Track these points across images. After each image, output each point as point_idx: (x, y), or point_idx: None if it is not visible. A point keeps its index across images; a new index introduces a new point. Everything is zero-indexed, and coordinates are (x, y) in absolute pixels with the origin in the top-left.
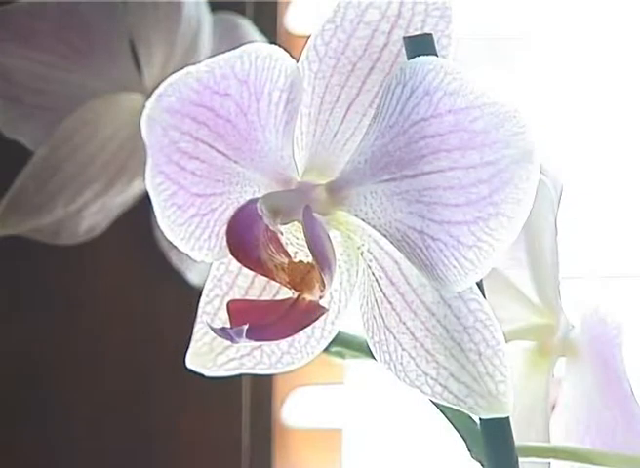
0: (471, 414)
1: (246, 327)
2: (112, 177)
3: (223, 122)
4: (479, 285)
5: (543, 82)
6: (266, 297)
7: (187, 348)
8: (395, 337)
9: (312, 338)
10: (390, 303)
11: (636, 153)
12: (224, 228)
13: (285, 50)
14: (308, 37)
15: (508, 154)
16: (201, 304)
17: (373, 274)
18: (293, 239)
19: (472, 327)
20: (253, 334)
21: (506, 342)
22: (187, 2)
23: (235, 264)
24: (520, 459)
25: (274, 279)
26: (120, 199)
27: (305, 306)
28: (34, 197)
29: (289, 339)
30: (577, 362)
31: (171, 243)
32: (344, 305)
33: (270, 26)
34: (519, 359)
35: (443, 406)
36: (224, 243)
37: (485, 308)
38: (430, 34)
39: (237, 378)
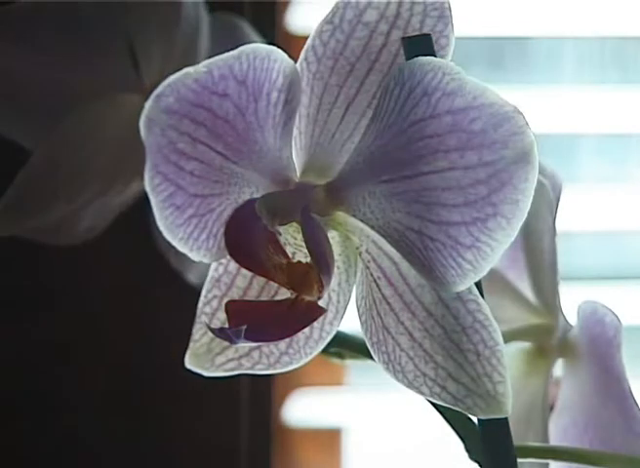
0: (470, 415)
1: (244, 327)
2: (111, 178)
3: (222, 122)
4: (478, 285)
5: (543, 82)
6: (265, 298)
7: (186, 349)
8: (394, 338)
9: (311, 339)
10: (389, 304)
11: (636, 153)
12: (223, 229)
13: (283, 50)
14: (307, 37)
15: (507, 155)
16: (200, 305)
17: (371, 274)
18: (291, 239)
19: (471, 327)
20: (251, 335)
21: (505, 343)
22: (186, 2)
23: (234, 265)
24: (518, 459)
25: (273, 279)
26: (119, 199)
27: (304, 307)
28: (33, 197)
29: (287, 340)
30: (575, 362)
31: (169, 243)
32: (343, 306)
33: (269, 27)
34: (518, 359)
35: (442, 406)
36: (223, 243)
37: (483, 309)
38: (429, 35)
39: (236, 379)
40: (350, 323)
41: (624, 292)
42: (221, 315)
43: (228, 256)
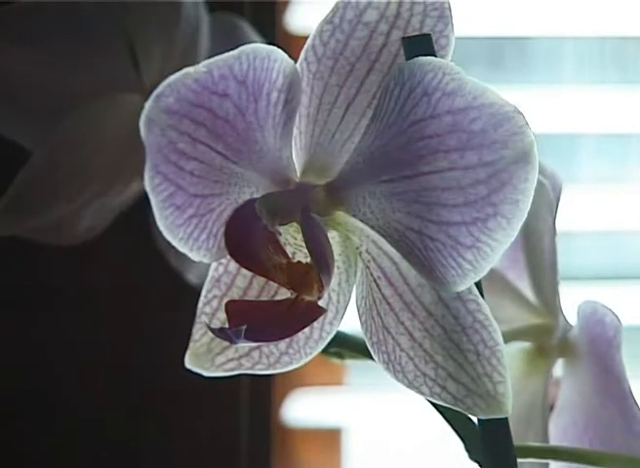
0: (470, 415)
1: (244, 327)
2: (111, 178)
3: (222, 122)
4: (478, 285)
5: (543, 82)
6: (265, 298)
7: (186, 349)
8: (394, 338)
9: (311, 339)
10: (389, 304)
11: (636, 153)
12: (223, 229)
13: (283, 50)
14: (307, 37)
15: (506, 155)
16: (200, 305)
17: (371, 274)
18: (291, 239)
19: (471, 327)
20: (251, 335)
21: (505, 343)
22: (186, 2)
23: (234, 265)
24: (518, 459)
25: (272, 279)
26: (119, 199)
27: (304, 307)
28: (33, 197)
29: (287, 340)
30: (575, 362)
31: (169, 243)
32: (343, 306)
33: (269, 27)
34: (518, 359)
35: (442, 406)
36: (223, 243)
37: (483, 309)
38: (429, 35)
39: (236, 379)
40: (350, 323)
41: (624, 292)
42: (221, 315)
43: (228, 256)
